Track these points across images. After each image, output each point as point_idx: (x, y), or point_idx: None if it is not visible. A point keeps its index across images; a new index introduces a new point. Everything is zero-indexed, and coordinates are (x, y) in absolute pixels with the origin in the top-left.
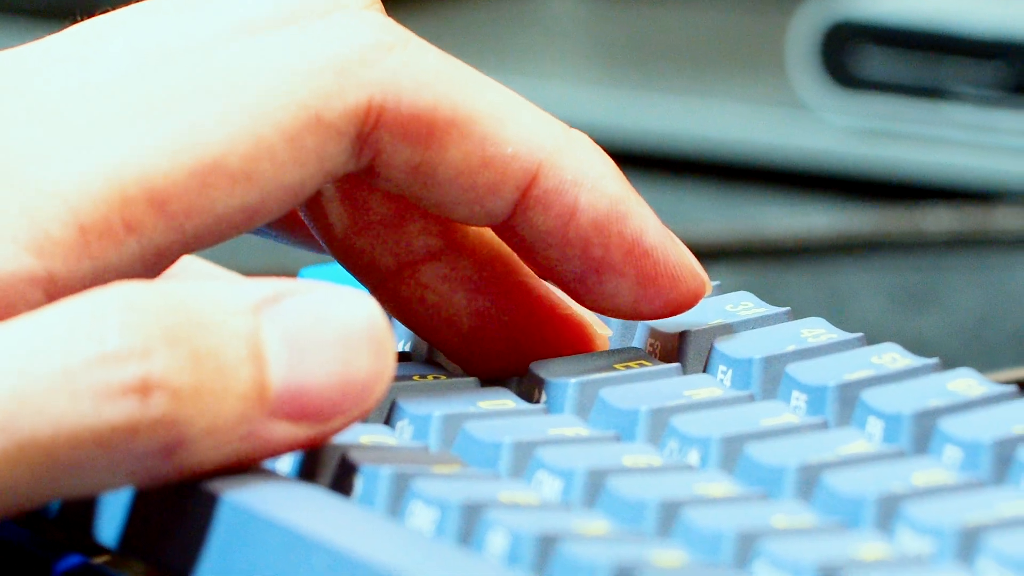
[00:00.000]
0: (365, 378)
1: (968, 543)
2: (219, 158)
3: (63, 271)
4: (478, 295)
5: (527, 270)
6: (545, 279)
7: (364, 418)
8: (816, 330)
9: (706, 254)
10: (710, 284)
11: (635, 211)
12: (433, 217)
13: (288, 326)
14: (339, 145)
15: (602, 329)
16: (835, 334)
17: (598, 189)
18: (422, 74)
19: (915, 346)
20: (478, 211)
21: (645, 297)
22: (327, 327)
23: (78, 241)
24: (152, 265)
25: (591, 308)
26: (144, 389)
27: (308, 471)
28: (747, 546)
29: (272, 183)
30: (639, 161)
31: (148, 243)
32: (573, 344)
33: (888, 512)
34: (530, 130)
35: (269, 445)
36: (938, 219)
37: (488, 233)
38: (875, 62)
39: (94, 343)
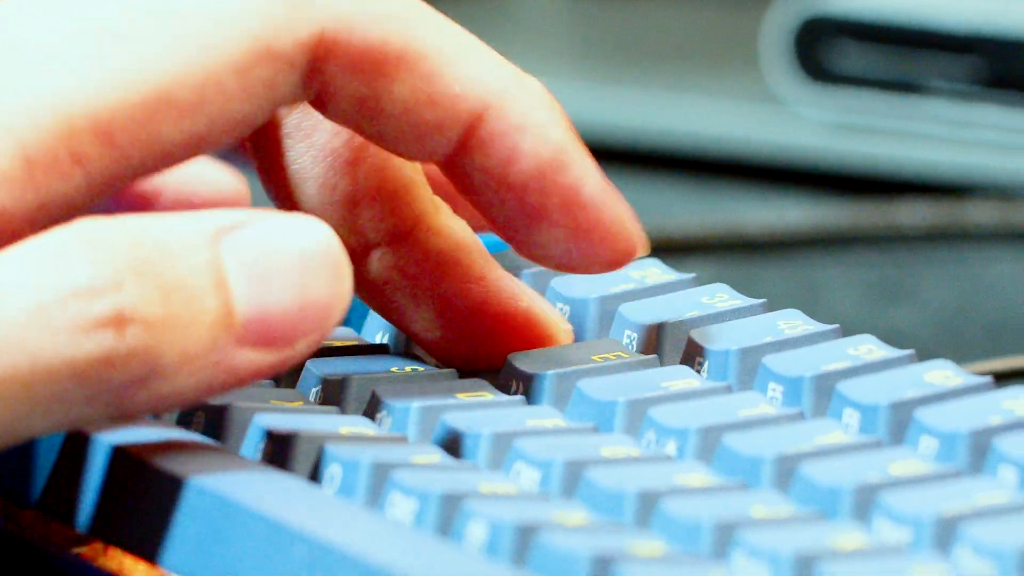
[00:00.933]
0: (325, 301)
1: (945, 532)
2: (167, 89)
3: (8, 203)
4: (435, 285)
5: (488, 262)
6: (486, 222)
7: (323, 340)
8: (792, 322)
9: (682, 248)
10: (645, 245)
11: (576, 162)
12: (388, 205)
13: (247, 254)
14: (289, 77)
15: (563, 323)
16: (811, 326)
17: (542, 136)
18: (374, 8)
19: (890, 338)
20: (421, 147)
21: (577, 249)
22: (285, 253)
23: (24, 173)
24: (97, 195)
25: (525, 255)
26: (118, 321)
27: (287, 460)
28: (725, 536)
29: (220, 114)
30: (615, 156)
31: (94, 174)
32: (530, 339)
33: (865, 502)
34: (480, 71)
35: (237, 373)
36: (913, 213)
37: (447, 225)
38: (849, 57)
39: (66, 279)
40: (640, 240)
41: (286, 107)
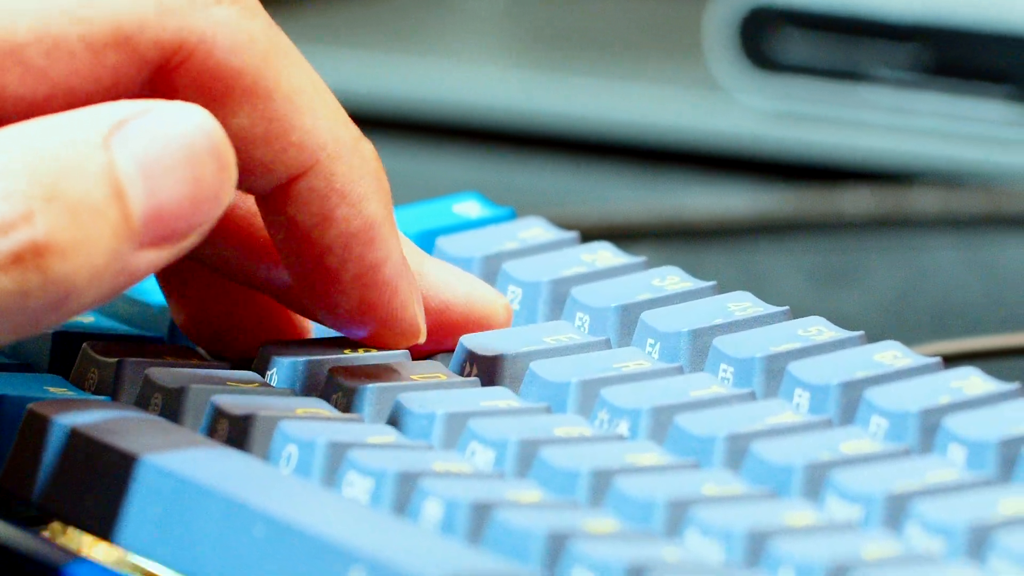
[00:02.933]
0: (214, 191)
1: (895, 510)
2: (20, 47)
3: None
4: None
5: (423, 256)
6: (281, 260)
7: (212, 227)
8: (742, 304)
9: (627, 235)
10: (424, 336)
11: (383, 240)
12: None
13: (138, 151)
14: (138, 72)
15: (501, 299)
16: (761, 307)
17: (358, 207)
18: (240, 36)
19: (835, 323)
20: (242, 179)
21: (357, 322)
22: (174, 145)
23: None
24: None
25: (306, 309)
26: (34, 254)
27: (244, 441)
28: (678, 514)
29: (63, 86)
30: (558, 144)
31: None
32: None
33: (816, 480)
34: (320, 126)
35: (136, 275)
36: (856, 200)
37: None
38: (793, 45)
39: None
40: (420, 331)
41: (124, 98)
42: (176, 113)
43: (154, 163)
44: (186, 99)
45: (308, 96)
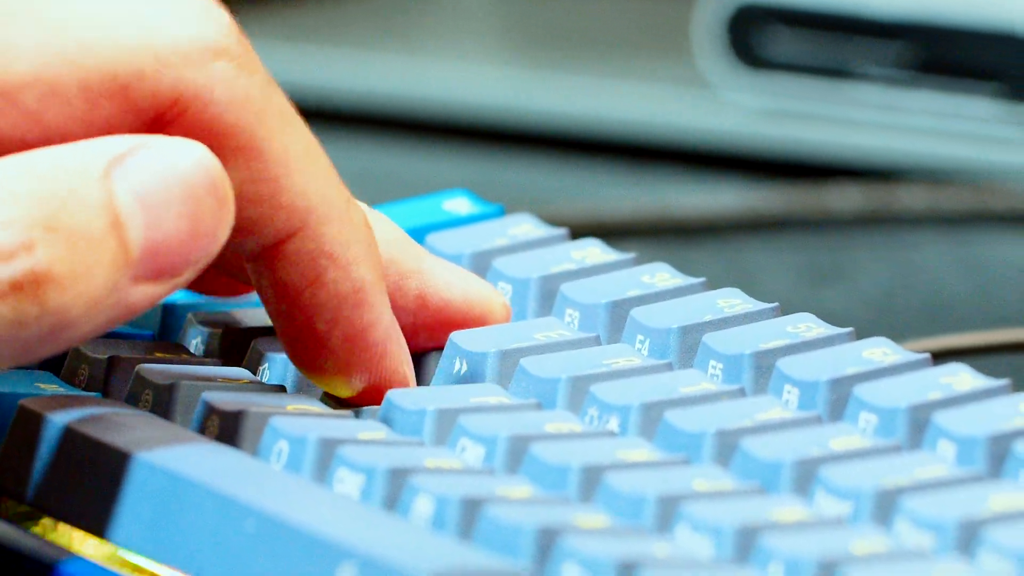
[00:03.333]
0: (211, 228)
1: (885, 505)
2: (16, 89)
3: None
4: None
5: (420, 256)
6: (270, 317)
7: (208, 264)
8: (732, 300)
9: (615, 232)
10: None
11: (373, 304)
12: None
13: (137, 185)
14: (131, 122)
15: (498, 296)
16: (750, 304)
17: (348, 270)
18: (237, 94)
19: (824, 320)
20: (231, 238)
21: (344, 381)
22: (173, 182)
23: None
24: None
25: (295, 360)
26: (33, 283)
27: (235, 437)
28: (668, 509)
29: (56, 130)
30: (547, 141)
31: None
32: (470, 322)
33: (806, 476)
34: (311, 188)
35: (132, 309)
36: (844, 197)
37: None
38: (781, 43)
39: None
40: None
41: None
42: (176, 148)
43: (153, 197)
44: None
45: (301, 157)
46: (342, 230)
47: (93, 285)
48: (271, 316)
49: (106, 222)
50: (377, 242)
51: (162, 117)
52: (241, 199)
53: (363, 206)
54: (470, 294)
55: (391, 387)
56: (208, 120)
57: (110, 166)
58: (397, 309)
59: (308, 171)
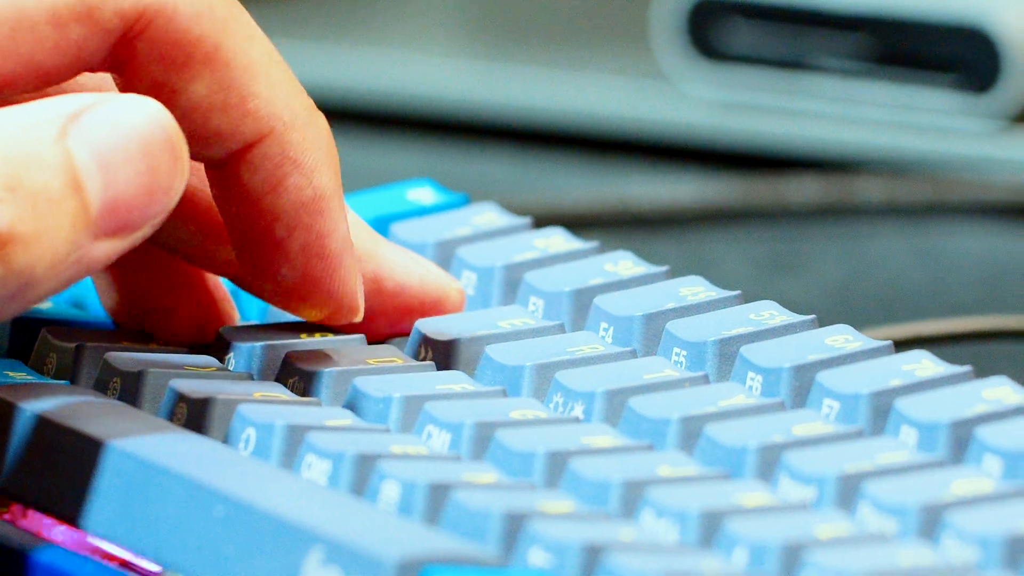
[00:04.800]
0: (168, 183)
1: (847, 490)
2: None
3: None
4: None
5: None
6: (227, 230)
7: (165, 218)
8: (695, 288)
9: (576, 223)
10: (361, 314)
11: (332, 212)
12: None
13: (94, 143)
14: (101, 42)
15: (454, 283)
16: (713, 292)
17: (309, 176)
18: (200, 5)
19: None
20: (195, 146)
21: (298, 294)
22: (129, 138)
23: None
24: None
25: (251, 277)
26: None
27: (203, 424)
28: (634, 494)
29: (28, 61)
30: (508, 133)
31: None
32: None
33: (769, 461)
34: (276, 95)
35: (92, 266)
36: (801, 189)
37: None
38: (740, 35)
39: None
40: (360, 308)
41: (88, 70)
42: (130, 105)
43: (110, 155)
44: (146, 68)
45: (265, 66)
46: (306, 136)
47: (55, 244)
48: (229, 226)
49: (65, 181)
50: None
51: (128, 33)
52: (209, 108)
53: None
54: (426, 279)
55: (341, 302)
56: (173, 32)
57: (66, 125)
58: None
59: (273, 79)
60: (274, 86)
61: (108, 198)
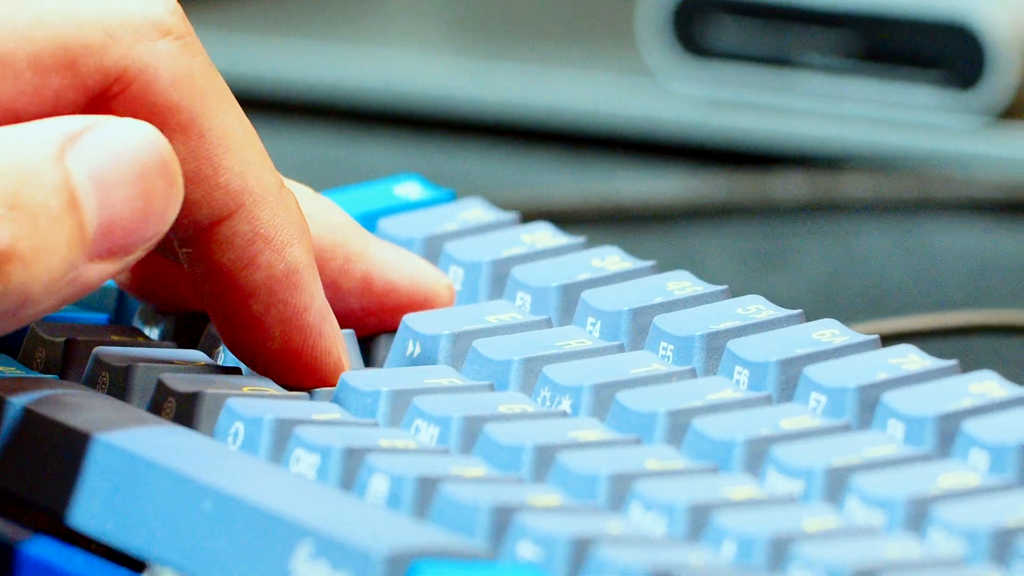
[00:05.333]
0: (163, 207)
1: (835, 484)
2: None
3: None
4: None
5: (367, 238)
6: (203, 303)
7: (157, 242)
8: (682, 283)
9: (561, 219)
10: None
11: (307, 286)
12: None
13: (92, 164)
14: (78, 95)
15: (443, 279)
16: (700, 287)
17: (282, 252)
18: (181, 72)
19: None
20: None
21: (280, 365)
22: (126, 160)
23: None
24: None
25: (231, 344)
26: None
27: (192, 418)
28: (621, 488)
29: (6, 105)
30: (493, 130)
31: None
32: (416, 305)
33: (757, 455)
34: (248, 170)
35: (87, 286)
36: (787, 185)
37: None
38: (725, 32)
39: None
40: (340, 373)
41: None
42: (127, 128)
43: (107, 177)
44: None
45: (238, 139)
46: (276, 212)
47: (53, 263)
48: (206, 301)
49: (63, 201)
50: (322, 224)
51: (107, 92)
52: None
53: (308, 190)
54: (416, 277)
55: (326, 371)
56: (152, 96)
57: (64, 145)
58: (343, 292)
59: (245, 153)
60: (246, 161)
61: (104, 219)
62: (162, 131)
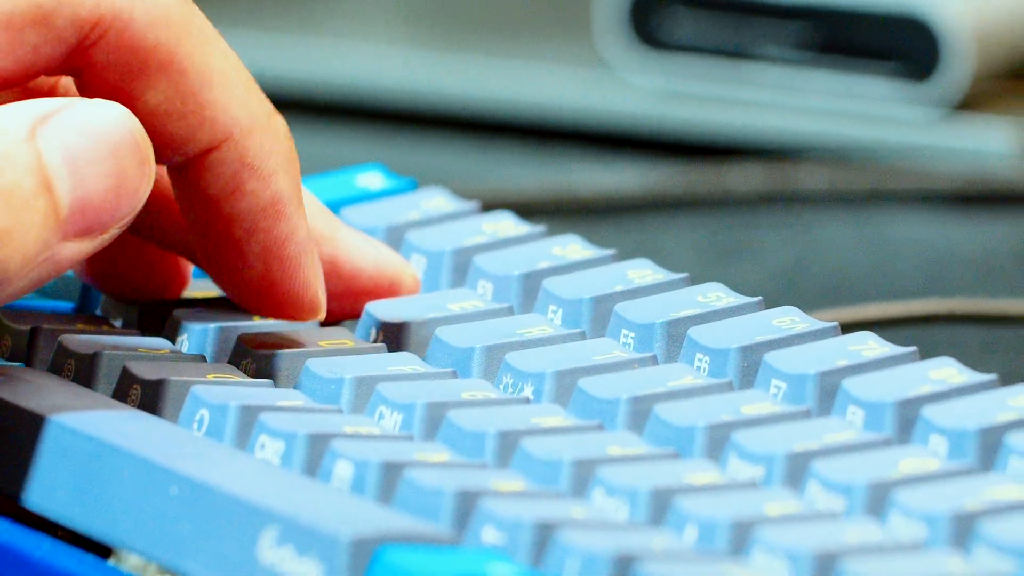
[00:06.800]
0: (135, 185)
1: (796, 469)
2: None
3: None
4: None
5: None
6: (189, 234)
7: (131, 221)
8: (642, 271)
9: (521, 211)
10: (323, 313)
11: (291, 215)
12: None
13: (64, 145)
14: (56, 48)
15: (408, 268)
16: (661, 274)
17: (267, 180)
18: (156, 13)
19: None
20: (156, 152)
21: (260, 294)
22: (98, 140)
23: None
24: None
25: (214, 277)
26: None
27: (155, 405)
28: (584, 473)
29: None
30: (451, 123)
31: None
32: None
33: (718, 441)
34: (233, 102)
35: (61, 265)
36: (745, 177)
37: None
38: (682, 24)
39: None
40: (322, 308)
41: (44, 75)
42: (98, 109)
43: (79, 157)
44: (103, 75)
45: (222, 72)
46: (264, 142)
47: (27, 243)
48: (190, 228)
49: (36, 181)
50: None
51: (84, 41)
52: (166, 116)
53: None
54: (381, 263)
55: (302, 303)
56: (129, 41)
57: (36, 126)
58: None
59: (230, 85)
60: (231, 93)
61: (77, 199)
62: (143, 72)
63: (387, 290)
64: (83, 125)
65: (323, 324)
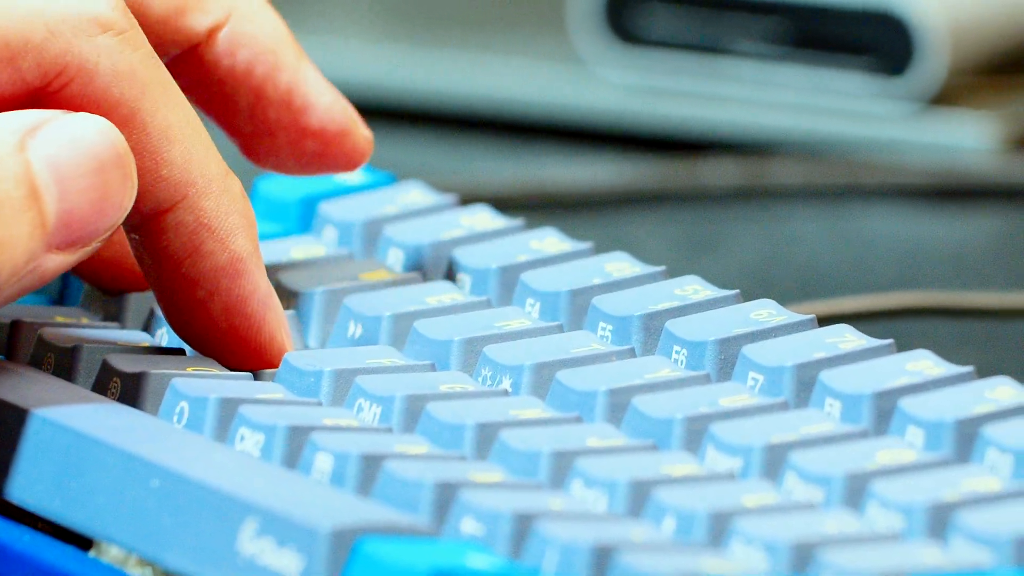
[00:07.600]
0: (118, 199)
1: (773, 460)
2: None
3: None
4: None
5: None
6: (149, 285)
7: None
8: (620, 264)
9: (495, 206)
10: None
11: (251, 272)
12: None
13: (52, 157)
14: (18, 90)
15: (362, 127)
16: (638, 268)
17: (225, 242)
18: (121, 67)
19: None
20: None
21: (225, 349)
22: (84, 153)
23: None
24: None
25: (176, 328)
26: None
27: (135, 398)
28: (563, 465)
29: None
30: (426, 117)
31: None
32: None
33: (696, 433)
34: (192, 162)
35: (45, 276)
36: (719, 171)
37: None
38: (656, 19)
39: None
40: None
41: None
42: (83, 122)
43: (66, 169)
44: None
45: (181, 131)
46: (220, 202)
47: (16, 254)
48: (152, 286)
49: (25, 192)
50: (262, 28)
51: (47, 87)
52: None
53: (260, 4)
54: (334, 107)
55: (268, 357)
56: (92, 92)
57: (25, 137)
58: (265, 101)
59: (188, 145)
60: (189, 153)
61: (62, 211)
62: None
63: (335, 137)
64: (70, 137)
65: (275, 170)
